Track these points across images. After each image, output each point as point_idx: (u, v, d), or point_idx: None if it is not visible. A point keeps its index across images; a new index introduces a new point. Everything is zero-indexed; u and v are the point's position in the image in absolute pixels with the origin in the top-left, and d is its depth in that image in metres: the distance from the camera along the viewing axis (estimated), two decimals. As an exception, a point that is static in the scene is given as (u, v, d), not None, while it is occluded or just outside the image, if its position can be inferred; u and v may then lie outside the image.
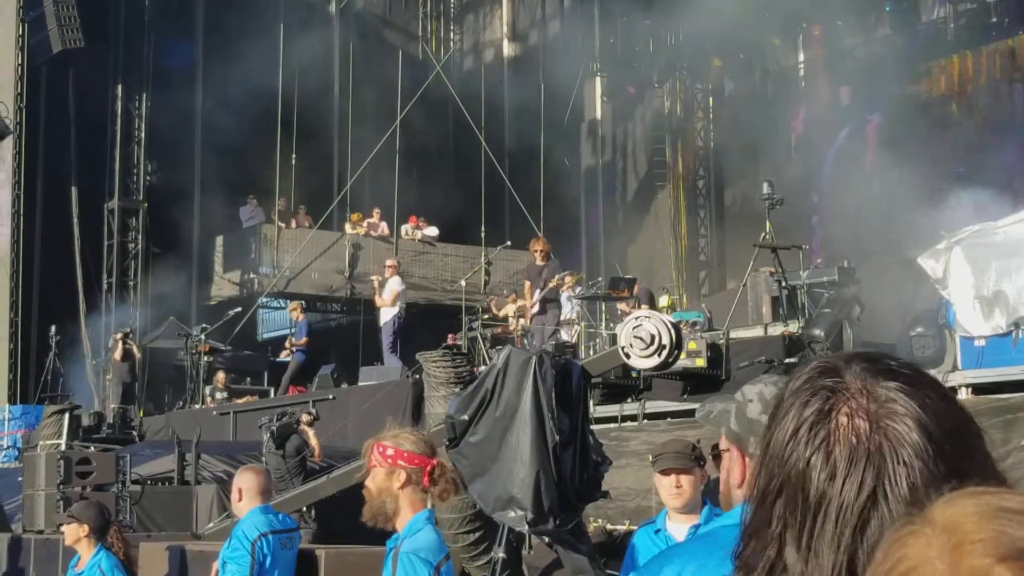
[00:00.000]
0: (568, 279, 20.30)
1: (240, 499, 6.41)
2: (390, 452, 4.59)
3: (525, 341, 19.59)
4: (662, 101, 32.75)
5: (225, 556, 6.46)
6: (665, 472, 5.52)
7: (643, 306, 18.61)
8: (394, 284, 21.91)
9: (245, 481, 6.44)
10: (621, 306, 18.42)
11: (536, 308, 19.81)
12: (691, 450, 5.60)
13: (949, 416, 1.33)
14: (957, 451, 1.30)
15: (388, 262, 22.82)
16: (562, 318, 21.81)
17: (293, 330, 23.48)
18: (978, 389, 12.62)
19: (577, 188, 32.26)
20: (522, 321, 21.10)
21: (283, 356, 23.48)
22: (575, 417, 9.44)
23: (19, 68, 25.19)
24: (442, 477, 4.63)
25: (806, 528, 1.29)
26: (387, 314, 21.65)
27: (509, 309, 22.18)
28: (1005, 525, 0.88)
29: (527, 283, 20.34)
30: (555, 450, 9.04)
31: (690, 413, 14.71)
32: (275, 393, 22.00)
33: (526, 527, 8.98)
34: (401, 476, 4.55)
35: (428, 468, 4.59)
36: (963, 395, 12.63)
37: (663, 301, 19.55)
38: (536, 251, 20.13)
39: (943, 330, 13.87)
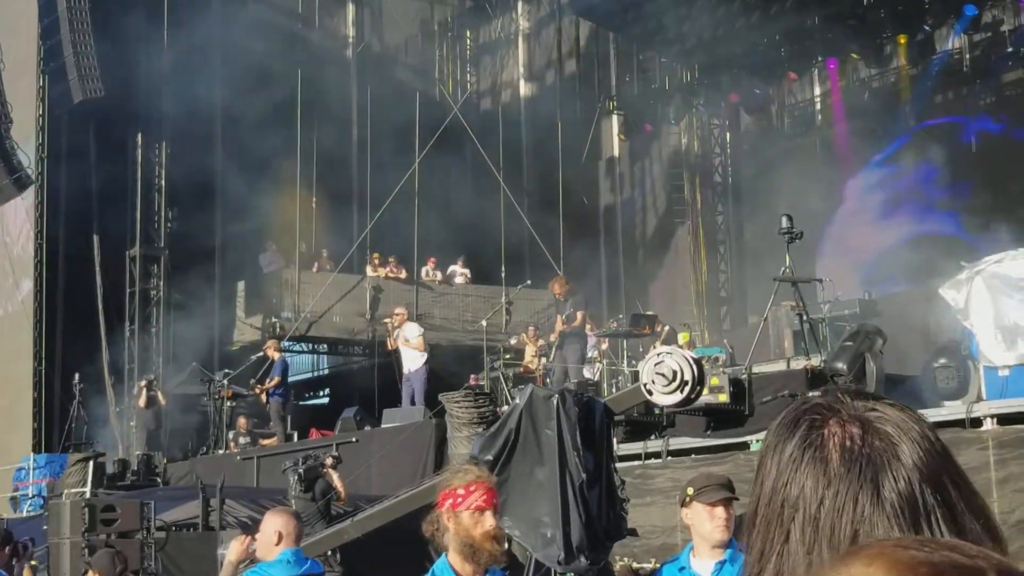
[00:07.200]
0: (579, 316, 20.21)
1: (278, 542, 6.39)
2: None
3: (547, 380, 19.55)
4: (679, 138, 32.86)
5: None
6: (714, 504, 5.41)
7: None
8: (415, 330, 21.38)
9: (283, 525, 6.42)
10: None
11: (556, 342, 19.80)
12: (729, 481, 5.55)
13: (933, 437, 1.33)
14: (942, 470, 1.29)
15: (397, 310, 22.44)
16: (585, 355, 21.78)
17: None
18: (1003, 419, 12.52)
19: (596, 226, 32.31)
20: (543, 360, 21.06)
21: (262, 397, 22.11)
22: (600, 455, 9.42)
23: (40, 118, 25.43)
24: None
25: (804, 543, 1.28)
26: (416, 361, 20.91)
27: (529, 349, 22.09)
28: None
29: (559, 318, 20.17)
30: (582, 488, 9.02)
31: (714, 449, 14.67)
32: (282, 439, 21.64)
33: (558, 566, 8.95)
34: None
35: None
36: (988, 425, 12.55)
37: (681, 339, 19.51)
38: (555, 291, 20.26)
39: (967, 361, 13.81)
